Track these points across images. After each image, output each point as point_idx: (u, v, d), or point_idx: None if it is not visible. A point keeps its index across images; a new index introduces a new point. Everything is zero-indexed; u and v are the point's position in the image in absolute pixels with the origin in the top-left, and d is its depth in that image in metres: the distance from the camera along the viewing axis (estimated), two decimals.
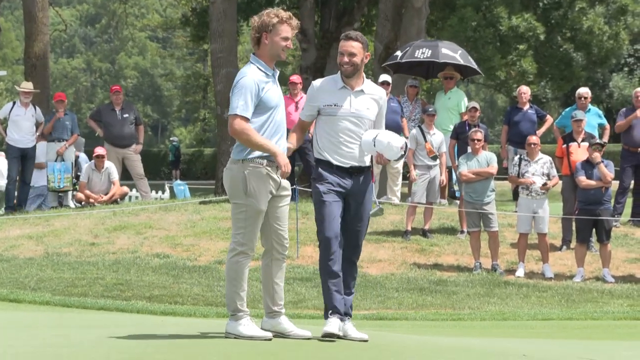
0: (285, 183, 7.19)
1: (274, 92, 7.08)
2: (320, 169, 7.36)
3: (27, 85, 18.56)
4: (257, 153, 6.98)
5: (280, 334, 7.08)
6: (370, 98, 7.41)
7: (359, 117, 7.33)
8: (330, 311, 7.22)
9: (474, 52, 27.55)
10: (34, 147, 18.24)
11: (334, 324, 7.16)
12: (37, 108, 18.72)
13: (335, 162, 7.30)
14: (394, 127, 14.88)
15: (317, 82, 7.49)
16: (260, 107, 7.00)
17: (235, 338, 6.92)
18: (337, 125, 7.30)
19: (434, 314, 11.83)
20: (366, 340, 7.18)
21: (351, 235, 7.55)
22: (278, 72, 7.23)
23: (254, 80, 6.97)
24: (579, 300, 13.16)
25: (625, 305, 12.83)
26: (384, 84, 16.64)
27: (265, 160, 6.99)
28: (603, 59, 33.12)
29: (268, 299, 7.17)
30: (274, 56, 7.10)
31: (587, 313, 12.21)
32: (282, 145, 7.12)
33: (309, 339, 7.08)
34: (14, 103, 18.40)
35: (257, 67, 7.06)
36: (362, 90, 7.39)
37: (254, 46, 7.11)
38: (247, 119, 6.92)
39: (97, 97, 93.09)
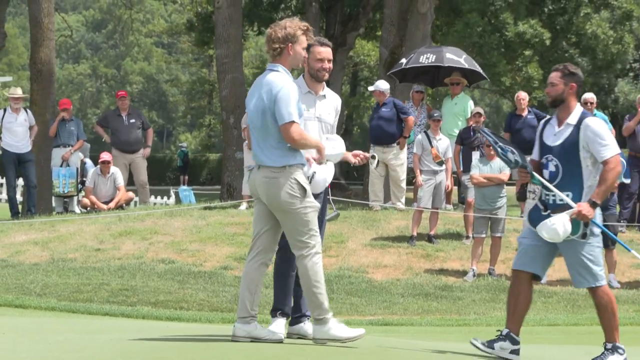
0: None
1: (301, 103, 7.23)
2: None
3: (16, 91, 18.54)
4: (296, 160, 7.03)
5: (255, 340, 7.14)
6: (330, 103, 7.64)
7: (322, 121, 7.54)
8: (280, 312, 7.47)
9: (480, 57, 27.55)
10: (30, 152, 18.26)
11: (281, 325, 7.42)
12: (29, 112, 18.72)
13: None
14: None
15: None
16: None
17: (326, 343, 7.01)
18: (305, 130, 7.33)
19: (440, 320, 11.81)
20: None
21: None
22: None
23: (295, 87, 7.07)
24: (584, 305, 13.13)
25: (631, 311, 12.81)
26: (375, 91, 16.82)
27: (301, 165, 7.09)
28: (608, 64, 33.09)
29: (250, 302, 7.12)
30: (294, 66, 7.21)
31: (593, 319, 12.13)
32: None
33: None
34: (5, 110, 18.39)
35: (293, 80, 7.14)
36: (324, 96, 7.62)
37: (275, 56, 7.12)
38: (297, 124, 6.97)
39: (103, 102, 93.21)
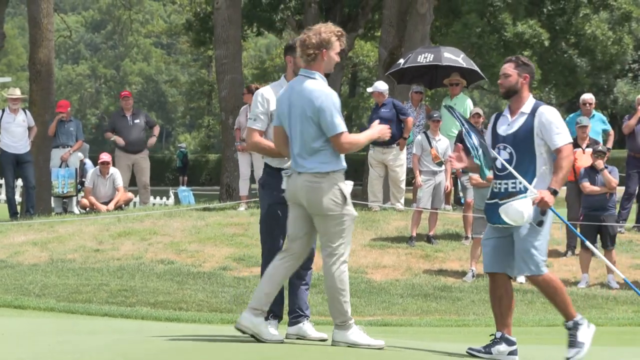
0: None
1: None
2: (267, 176, 7.58)
3: (14, 92, 18.53)
4: (339, 165, 7.11)
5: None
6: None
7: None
8: (272, 314, 7.50)
9: (479, 58, 27.57)
10: (29, 152, 18.25)
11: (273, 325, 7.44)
12: (28, 113, 18.72)
13: (285, 167, 7.42)
14: None
15: (264, 90, 7.66)
16: None
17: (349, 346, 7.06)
18: None
19: (439, 320, 11.81)
20: (325, 340, 7.39)
21: None
22: None
23: (335, 94, 7.16)
24: (583, 306, 13.14)
25: (630, 312, 12.81)
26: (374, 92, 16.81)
27: (344, 170, 7.17)
28: (607, 64, 33.13)
29: (267, 298, 7.18)
30: (327, 71, 7.27)
31: (592, 319, 12.12)
32: None
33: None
34: (3, 110, 18.38)
35: (324, 82, 7.21)
36: None
37: (309, 62, 7.16)
38: (346, 133, 7.06)
39: (102, 103, 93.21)
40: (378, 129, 7.30)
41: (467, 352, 7.36)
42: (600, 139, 16.36)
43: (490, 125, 7.59)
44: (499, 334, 7.41)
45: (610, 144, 16.84)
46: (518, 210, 7.07)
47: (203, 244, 15.47)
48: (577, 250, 15.27)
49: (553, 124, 7.26)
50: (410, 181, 17.24)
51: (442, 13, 31.17)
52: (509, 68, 7.44)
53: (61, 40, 61.06)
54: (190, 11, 44.76)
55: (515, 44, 30.49)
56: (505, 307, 7.42)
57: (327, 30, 7.14)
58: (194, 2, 43.37)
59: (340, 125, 7.01)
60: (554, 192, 7.20)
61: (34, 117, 19.12)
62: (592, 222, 14.50)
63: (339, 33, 7.16)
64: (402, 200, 17.36)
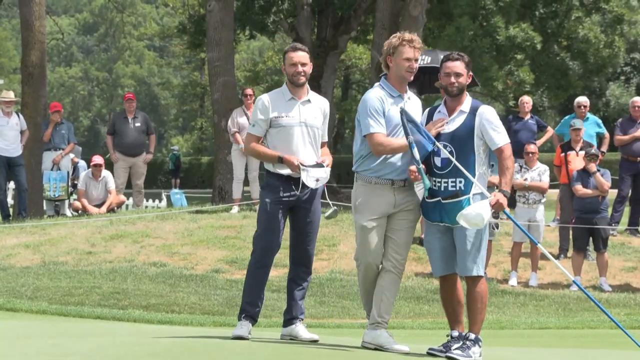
0: (409, 199, 7.45)
1: (395, 112, 7.28)
2: (269, 180, 7.65)
3: (8, 95, 18.51)
4: (368, 169, 7.29)
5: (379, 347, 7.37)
6: (316, 107, 7.74)
7: (309, 125, 7.63)
8: (244, 315, 7.57)
9: (471, 61, 27.54)
10: (21, 156, 18.22)
11: (244, 327, 7.51)
12: (21, 116, 18.70)
13: (285, 173, 7.55)
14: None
15: (264, 97, 7.73)
16: (386, 124, 7.31)
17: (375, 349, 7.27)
18: (290, 135, 7.56)
19: (431, 323, 11.81)
20: (317, 340, 7.48)
21: (304, 242, 7.74)
22: (409, 95, 7.46)
23: (375, 97, 7.32)
24: (576, 309, 13.16)
25: (622, 314, 12.82)
26: None
27: (374, 178, 7.27)
28: (599, 67, 33.15)
29: (375, 309, 7.41)
30: (399, 77, 7.37)
31: (584, 322, 12.21)
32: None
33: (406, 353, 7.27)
34: None
35: (381, 88, 7.37)
36: (308, 100, 7.72)
37: (386, 69, 7.42)
38: (382, 134, 7.25)
39: (94, 106, 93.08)
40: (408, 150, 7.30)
41: (427, 352, 7.32)
42: (594, 142, 16.38)
43: (422, 120, 7.41)
44: (455, 333, 7.31)
45: (605, 147, 16.86)
46: (478, 213, 7.01)
47: (195, 247, 15.46)
48: (570, 253, 15.29)
49: (493, 124, 7.22)
50: None
51: (435, 16, 31.17)
52: (460, 67, 7.37)
53: (53, 42, 60.93)
54: (183, 14, 44.76)
55: (507, 47, 30.51)
56: (459, 305, 7.38)
57: (396, 36, 7.39)
58: (187, 4, 43.35)
59: (368, 126, 7.26)
60: (506, 194, 7.17)
61: (26, 119, 19.09)
62: (584, 225, 14.53)
63: (409, 39, 7.32)
64: None
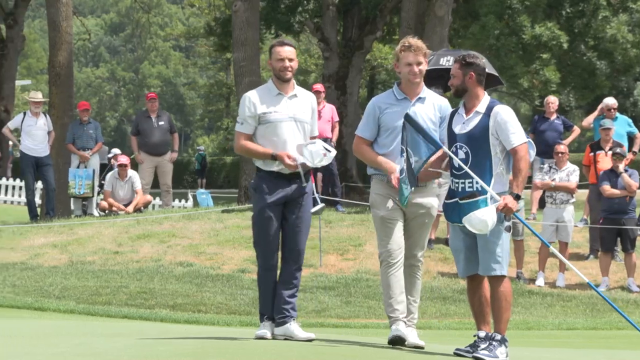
0: (424, 201, 7.55)
1: (392, 117, 7.43)
2: (259, 179, 7.65)
3: (37, 95, 18.64)
4: (380, 172, 7.49)
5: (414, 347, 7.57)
6: (304, 102, 7.77)
7: (298, 120, 7.65)
8: (265, 317, 7.66)
9: (497, 60, 27.46)
10: (49, 156, 18.33)
11: (266, 328, 7.60)
12: (48, 117, 18.82)
13: (276, 170, 7.56)
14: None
15: (250, 93, 7.75)
16: (381, 128, 7.50)
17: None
18: (279, 130, 7.57)
19: (458, 323, 11.79)
20: (312, 340, 7.46)
21: (294, 239, 7.74)
22: (422, 97, 7.58)
23: (373, 102, 7.60)
24: (603, 309, 13.08)
25: None
26: None
27: (386, 178, 7.43)
28: (627, 67, 32.93)
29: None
30: (406, 82, 7.54)
31: (612, 323, 12.14)
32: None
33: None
34: (25, 114, 18.48)
35: (389, 92, 7.60)
36: (295, 95, 7.74)
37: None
38: (363, 139, 7.55)
39: (121, 106, 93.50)
40: (390, 168, 7.46)
41: (454, 352, 7.29)
42: (625, 141, 16.25)
43: (445, 124, 7.48)
44: (482, 334, 7.26)
45: (637, 147, 16.70)
46: (481, 220, 6.96)
47: (222, 247, 15.50)
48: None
49: (509, 124, 7.19)
50: None
51: (460, 15, 31.08)
52: (454, 69, 7.47)
53: (80, 43, 61.24)
54: (209, 15, 44.82)
55: (533, 46, 30.37)
56: (486, 305, 7.34)
57: (399, 43, 7.61)
58: (213, 5, 43.44)
59: (358, 128, 7.61)
60: (517, 197, 7.10)
61: (54, 120, 19.20)
62: (612, 226, 14.45)
63: (408, 44, 7.52)
64: None
